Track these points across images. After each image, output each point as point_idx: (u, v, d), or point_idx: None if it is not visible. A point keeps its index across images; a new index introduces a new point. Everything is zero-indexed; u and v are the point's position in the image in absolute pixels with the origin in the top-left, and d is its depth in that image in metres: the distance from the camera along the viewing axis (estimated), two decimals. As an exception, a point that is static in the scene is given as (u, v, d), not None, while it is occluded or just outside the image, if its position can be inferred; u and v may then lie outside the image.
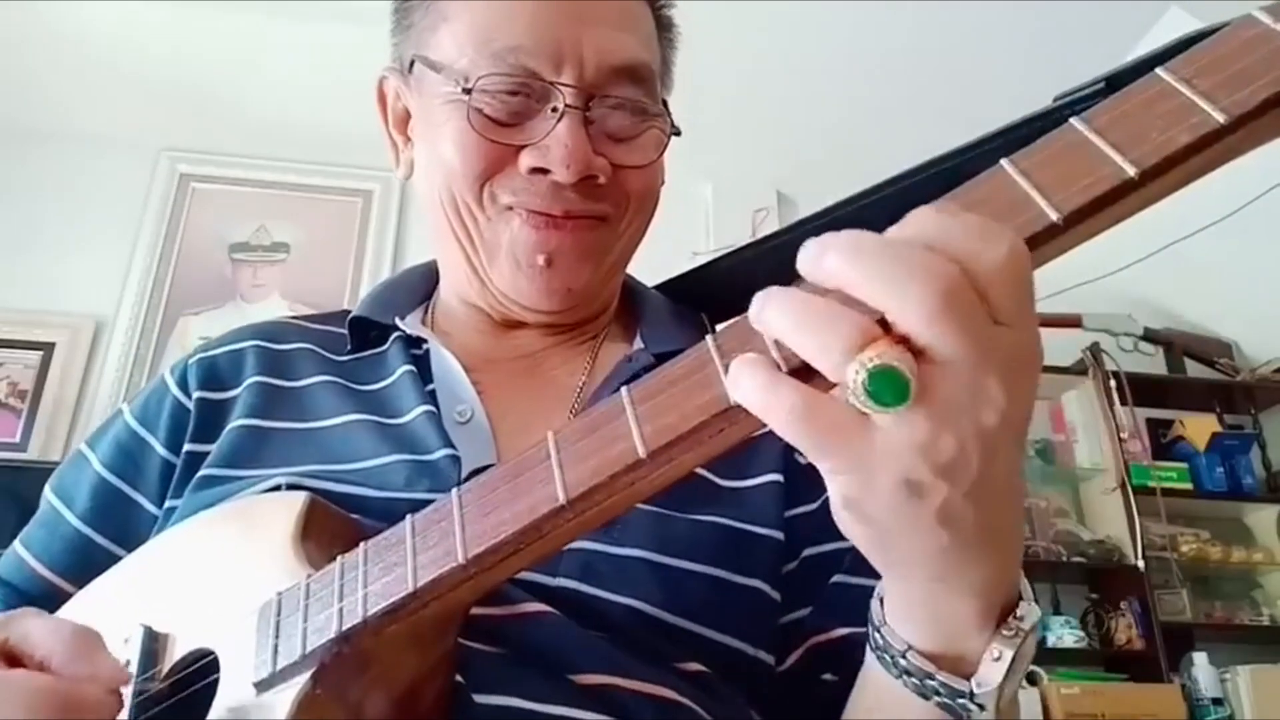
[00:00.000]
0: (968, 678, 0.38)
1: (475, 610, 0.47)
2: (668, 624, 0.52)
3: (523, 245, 0.61)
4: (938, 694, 0.39)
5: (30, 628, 0.43)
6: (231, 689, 0.43)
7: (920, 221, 0.33)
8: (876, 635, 0.41)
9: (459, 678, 0.47)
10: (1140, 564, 2.81)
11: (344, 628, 0.40)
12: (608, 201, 0.62)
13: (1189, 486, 3.03)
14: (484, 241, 0.62)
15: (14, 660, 0.42)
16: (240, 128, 3.01)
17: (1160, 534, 2.94)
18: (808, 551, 0.59)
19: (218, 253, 3.01)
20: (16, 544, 0.64)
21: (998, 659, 0.38)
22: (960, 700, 0.38)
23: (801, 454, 0.62)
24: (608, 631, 0.52)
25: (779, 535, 0.58)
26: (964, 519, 0.33)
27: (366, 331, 0.68)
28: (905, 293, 0.30)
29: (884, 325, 0.31)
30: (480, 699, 0.47)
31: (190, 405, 0.64)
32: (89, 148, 2.98)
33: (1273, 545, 3.11)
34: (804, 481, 0.61)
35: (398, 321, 0.67)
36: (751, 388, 0.33)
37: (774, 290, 0.33)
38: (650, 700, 0.50)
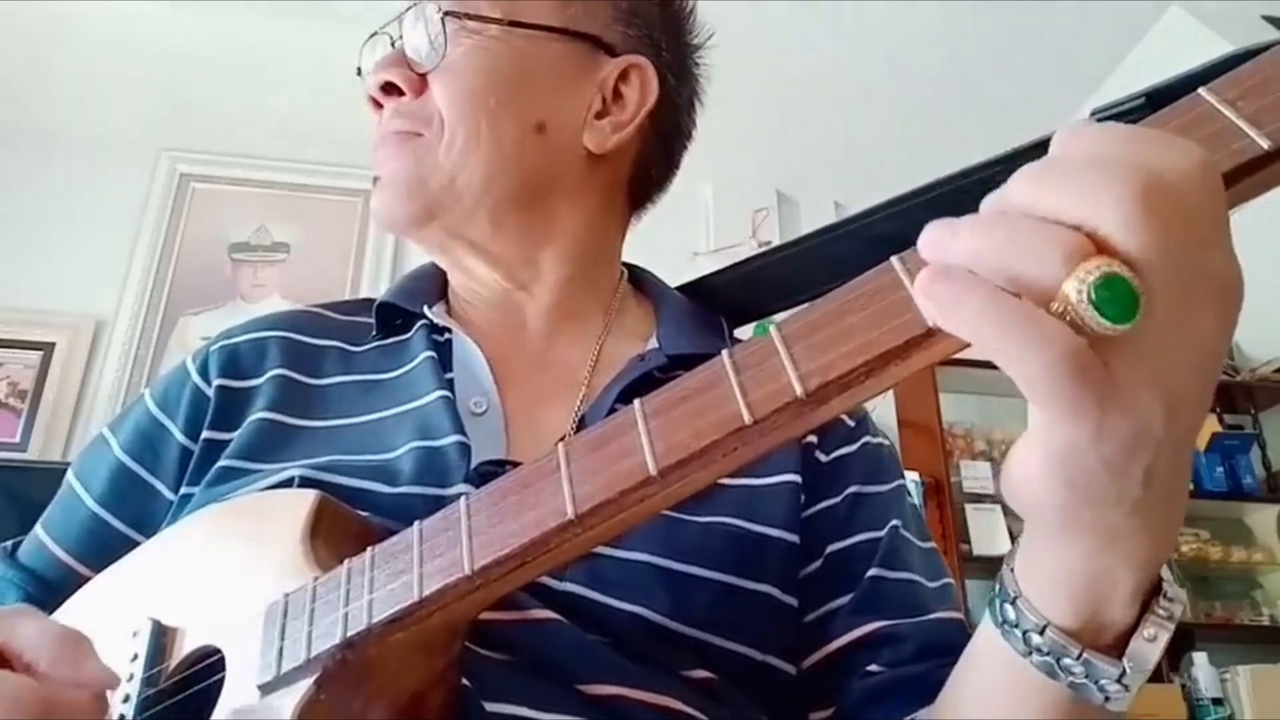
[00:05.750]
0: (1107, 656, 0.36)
1: (482, 615, 0.46)
2: (674, 632, 0.52)
3: (373, 175, 0.66)
4: (1071, 674, 0.36)
5: (19, 629, 0.42)
6: (236, 690, 0.43)
7: (1099, 135, 0.30)
8: (1007, 609, 0.38)
9: (467, 683, 0.47)
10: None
11: (349, 634, 0.40)
12: (414, 115, 0.64)
13: (1189, 486, 3.03)
14: None
15: (1, 661, 0.42)
16: (240, 128, 3.01)
17: (1160, 534, 2.93)
18: (832, 547, 0.59)
19: (218, 253, 3.01)
20: (37, 527, 0.64)
21: (1152, 639, 0.35)
22: (1102, 681, 0.36)
23: (823, 452, 0.63)
24: (614, 638, 0.51)
25: (792, 538, 0.58)
26: (1164, 473, 0.30)
27: (393, 318, 0.69)
28: (1101, 195, 0.27)
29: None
30: (490, 707, 0.47)
31: (210, 393, 0.63)
32: (89, 148, 2.97)
33: (1273, 545, 3.11)
34: (824, 480, 0.61)
35: (425, 309, 0.68)
36: (979, 305, 0.28)
37: (958, 220, 0.30)
38: (658, 711, 0.50)
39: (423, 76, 0.64)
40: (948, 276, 0.29)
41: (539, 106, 0.64)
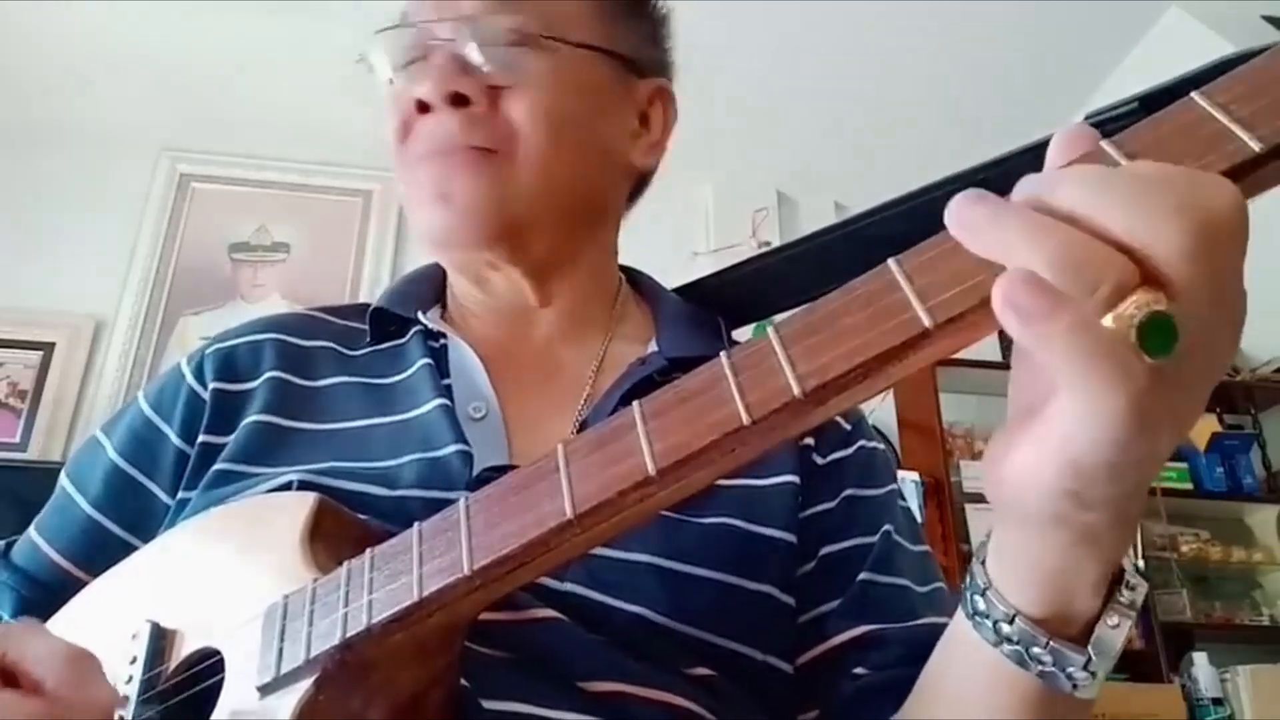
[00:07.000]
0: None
1: (482, 615, 0.47)
2: (675, 631, 0.53)
3: (426, 186, 0.61)
4: (1040, 663, 0.37)
5: (29, 646, 0.42)
6: (235, 691, 0.43)
7: (1151, 165, 0.30)
8: (977, 600, 0.39)
9: (465, 683, 0.47)
10: (1140, 564, 2.81)
11: (348, 635, 0.40)
12: (489, 130, 0.60)
13: (1189, 486, 3.03)
14: (410, 199, 0.64)
15: (9, 678, 0.41)
16: (240, 128, 3.01)
17: (1160, 534, 2.94)
18: (826, 549, 0.60)
19: (218, 253, 3.01)
20: (31, 529, 0.64)
21: (1115, 626, 0.37)
22: (1069, 669, 0.37)
23: (819, 455, 0.63)
24: (615, 637, 0.52)
25: (790, 538, 0.58)
26: (1149, 480, 0.32)
27: (387, 324, 0.68)
28: (1167, 224, 0.28)
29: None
30: (488, 705, 0.47)
31: (206, 396, 0.63)
32: (89, 148, 2.97)
33: (1273, 545, 3.11)
34: (822, 482, 0.62)
35: (419, 315, 0.67)
36: (1033, 299, 0.28)
37: (1009, 206, 0.30)
38: (659, 707, 0.50)
39: (495, 89, 0.61)
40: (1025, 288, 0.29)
41: (602, 128, 0.66)
